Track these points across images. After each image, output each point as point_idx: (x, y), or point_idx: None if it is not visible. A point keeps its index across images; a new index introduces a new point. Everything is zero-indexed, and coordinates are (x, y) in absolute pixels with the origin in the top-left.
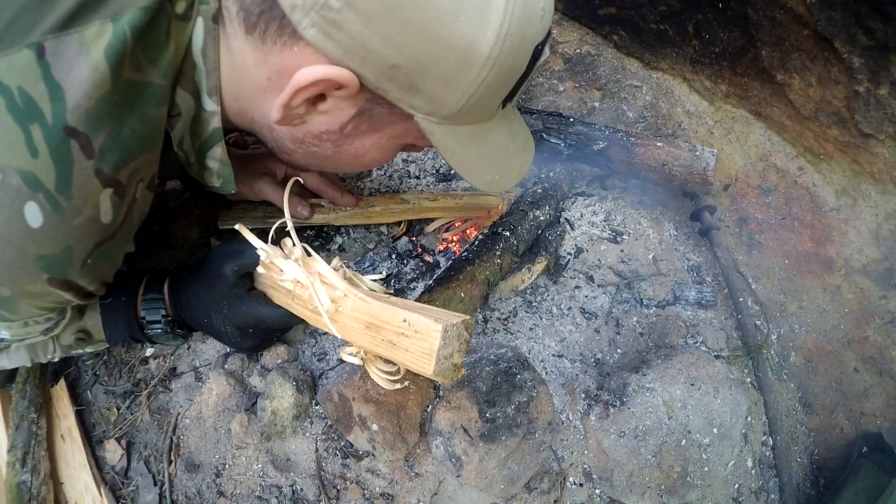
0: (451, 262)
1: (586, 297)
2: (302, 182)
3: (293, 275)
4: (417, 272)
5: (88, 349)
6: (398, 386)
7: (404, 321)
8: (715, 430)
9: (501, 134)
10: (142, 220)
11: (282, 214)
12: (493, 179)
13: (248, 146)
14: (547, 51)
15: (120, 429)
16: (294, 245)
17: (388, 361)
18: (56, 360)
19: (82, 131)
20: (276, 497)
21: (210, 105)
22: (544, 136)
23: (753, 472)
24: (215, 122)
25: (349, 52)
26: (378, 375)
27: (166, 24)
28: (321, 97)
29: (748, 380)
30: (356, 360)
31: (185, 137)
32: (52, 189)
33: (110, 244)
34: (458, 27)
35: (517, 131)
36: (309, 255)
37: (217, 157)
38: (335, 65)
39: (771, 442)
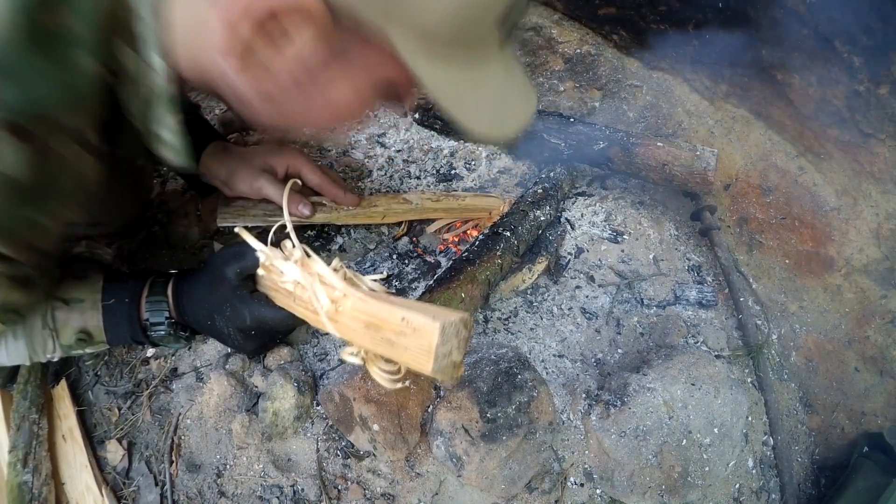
0: (451, 262)
1: (587, 297)
2: (301, 183)
3: (293, 276)
4: (418, 272)
5: (89, 350)
6: (399, 385)
7: (402, 319)
8: (716, 429)
9: (499, 72)
10: (86, 186)
11: (282, 212)
12: (491, 123)
13: (247, 144)
14: None
15: (121, 429)
16: (294, 246)
17: (388, 361)
18: (56, 359)
19: None
20: (278, 497)
21: (154, 60)
22: (545, 135)
23: (754, 471)
24: (162, 81)
25: None
26: (379, 375)
27: None
28: (279, 28)
29: (749, 380)
30: (357, 360)
31: (137, 102)
32: None
33: (21, 200)
34: None
35: (517, 78)
36: (308, 256)
37: (169, 126)
38: None
39: (772, 442)
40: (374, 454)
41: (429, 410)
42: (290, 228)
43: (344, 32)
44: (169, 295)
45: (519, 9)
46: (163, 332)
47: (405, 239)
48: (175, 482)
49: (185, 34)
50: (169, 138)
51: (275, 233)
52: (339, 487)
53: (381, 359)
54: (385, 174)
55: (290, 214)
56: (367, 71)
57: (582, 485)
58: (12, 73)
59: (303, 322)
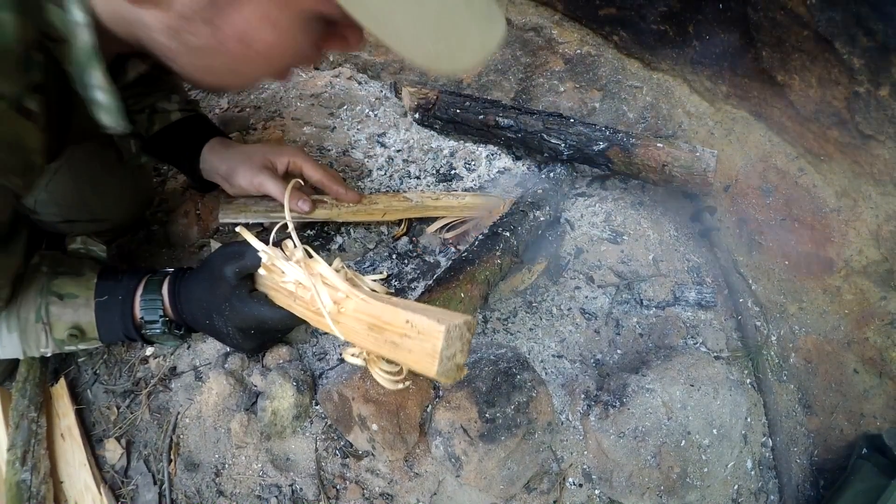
0: (451, 262)
1: (586, 297)
2: (303, 183)
3: (295, 276)
4: (418, 272)
5: (81, 346)
6: (401, 386)
7: (407, 322)
8: (714, 430)
9: None
10: (22, 152)
11: (283, 209)
12: (436, 51)
13: (247, 142)
14: None
15: (120, 428)
16: (295, 246)
17: (390, 362)
18: (49, 354)
19: None
20: (276, 496)
21: (76, 14)
22: (545, 136)
23: (753, 473)
24: (85, 37)
25: None
26: (381, 376)
27: None
28: None
29: (748, 381)
30: (359, 362)
31: (72, 67)
32: None
33: None
34: None
35: None
36: (310, 256)
37: (98, 84)
38: None
39: (770, 443)
40: (372, 454)
41: (428, 410)
42: (291, 228)
43: None
44: (165, 293)
45: None
46: (157, 331)
47: (405, 239)
48: (173, 481)
49: None
50: (100, 98)
51: (276, 232)
52: (338, 487)
53: (383, 360)
54: (385, 174)
55: (290, 210)
56: (282, 1)
57: (580, 485)
58: None
59: (302, 322)
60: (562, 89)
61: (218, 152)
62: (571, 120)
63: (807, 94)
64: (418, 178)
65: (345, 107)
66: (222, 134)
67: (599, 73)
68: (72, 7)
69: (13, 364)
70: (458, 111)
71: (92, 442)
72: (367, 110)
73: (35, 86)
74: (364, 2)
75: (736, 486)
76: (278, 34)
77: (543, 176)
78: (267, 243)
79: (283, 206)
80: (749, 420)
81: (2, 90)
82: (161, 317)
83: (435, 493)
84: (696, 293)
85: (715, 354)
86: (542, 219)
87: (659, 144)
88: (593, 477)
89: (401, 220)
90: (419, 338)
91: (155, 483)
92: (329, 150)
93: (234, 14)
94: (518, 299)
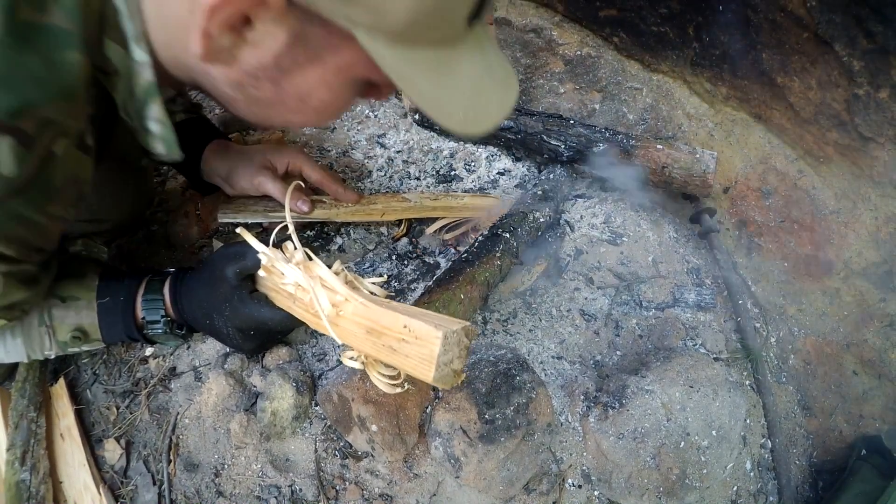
0: (451, 263)
1: (586, 298)
2: (303, 185)
3: (294, 278)
4: (417, 273)
5: (85, 348)
6: (399, 390)
7: (405, 327)
8: (714, 432)
9: (473, 63)
10: (79, 186)
11: (283, 209)
12: (466, 118)
13: (247, 143)
14: None
15: (119, 428)
16: (296, 248)
17: (388, 366)
18: (53, 356)
19: None
20: (275, 497)
21: (139, 54)
22: (545, 137)
23: (752, 474)
24: (147, 75)
25: None
26: (379, 379)
27: None
28: (247, 23)
29: (747, 382)
30: (357, 365)
31: (128, 100)
32: None
33: (20, 202)
34: None
35: (494, 63)
36: (310, 259)
37: (156, 118)
38: None
39: (769, 444)
40: (372, 455)
41: (427, 411)
42: (291, 229)
43: (314, 30)
44: (166, 293)
45: (490, 2)
46: (159, 330)
47: (404, 240)
48: (173, 481)
49: (163, 32)
50: (156, 129)
51: (276, 234)
52: (337, 488)
53: (381, 363)
54: (385, 175)
55: (289, 211)
56: (340, 70)
57: (580, 486)
58: (4, 75)
59: (302, 323)
60: (562, 91)
61: (219, 154)
62: (571, 121)
63: (806, 97)
64: (418, 178)
65: None
66: (224, 136)
67: (599, 74)
68: (134, 47)
69: (13, 364)
70: None
71: (91, 442)
72: (367, 111)
73: (90, 118)
74: (414, 84)
75: (735, 488)
76: (332, 94)
77: (543, 177)
78: (267, 245)
79: (282, 205)
80: (748, 421)
81: (68, 129)
82: (162, 317)
83: (434, 494)
84: (696, 295)
85: (714, 356)
86: (541, 220)
87: (659, 146)
88: (592, 478)
89: (400, 221)
90: (417, 343)
91: (154, 483)
92: (329, 151)
93: (297, 77)
94: (518, 300)
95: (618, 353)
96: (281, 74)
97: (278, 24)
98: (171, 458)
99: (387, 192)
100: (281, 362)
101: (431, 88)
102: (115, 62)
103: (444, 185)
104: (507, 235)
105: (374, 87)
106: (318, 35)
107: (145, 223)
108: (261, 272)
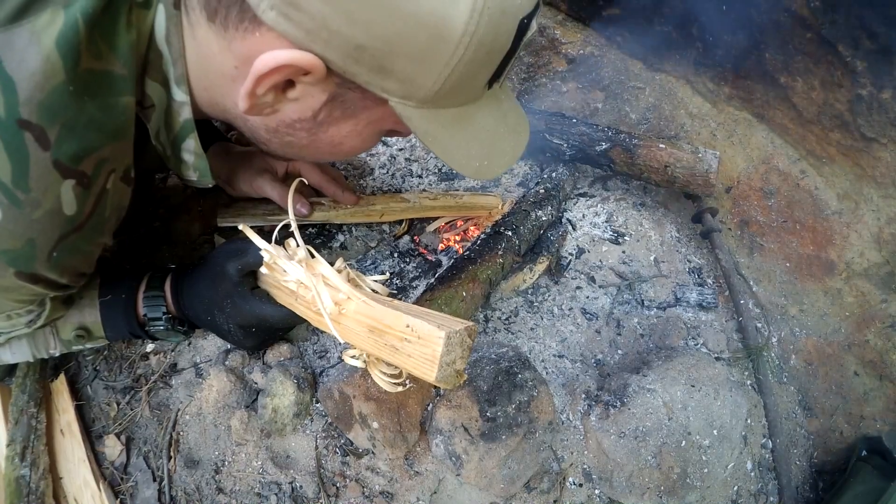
0: (453, 260)
1: (587, 297)
2: (305, 182)
3: (296, 276)
4: (419, 271)
5: (88, 345)
6: (400, 388)
7: (407, 326)
8: (715, 431)
9: (489, 115)
10: (120, 213)
11: (282, 212)
12: (480, 166)
13: (247, 144)
14: (535, 25)
15: (119, 424)
16: (298, 246)
17: (390, 364)
18: (57, 354)
19: (36, 123)
20: (276, 494)
21: (179, 95)
22: (547, 136)
23: (753, 474)
24: (186, 113)
25: (311, 34)
26: (380, 378)
27: (125, 10)
28: (290, 83)
29: (748, 382)
30: (358, 363)
31: (161, 129)
32: (9, 183)
33: (77, 237)
34: (425, 1)
35: (508, 112)
36: (312, 256)
37: (191, 150)
38: (298, 48)
39: (770, 444)
40: (373, 452)
41: (428, 409)
42: (294, 227)
43: (350, 94)
44: (167, 290)
45: (511, 65)
46: (161, 327)
47: (406, 237)
48: (173, 478)
49: (204, 78)
50: (191, 160)
51: (278, 232)
52: (338, 485)
53: (383, 362)
54: (387, 172)
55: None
56: (370, 123)
57: (581, 485)
58: (69, 122)
59: (303, 320)
60: (564, 89)
61: (220, 157)
62: (574, 120)
63: (809, 97)
64: (420, 176)
65: None
66: (225, 139)
67: (602, 73)
68: (176, 89)
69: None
70: None
71: (91, 438)
72: None
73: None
74: (437, 139)
75: (736, 487)
76: (361, 141)
77: (545, 176)
78: (269, 241)
79: (280, 209)
80: (749, 421)
81: (119, 165)
82: (164, 314)
83: (435, 492)
84: (698, 294)
85: (716, 355)
86: (543, 218)
87: (661, 145)
88: (593, 477)
89: (401, 219)
90: (419, 343)
91: (154, 480)
92: None
93: (332, 129)
94: (519, 299)
95: (619, 351)
96: (317, 126)
97: (319, 87)
98: (172, 454)
99: (387, 190)
100: (282, 359)
101: (451, 142)
102: (152, 98)
103: (447, 182)
104: (510, 233)
105: (397, 131)
106: (353, 98)
107: (146, 219)
108: (263, 269)
